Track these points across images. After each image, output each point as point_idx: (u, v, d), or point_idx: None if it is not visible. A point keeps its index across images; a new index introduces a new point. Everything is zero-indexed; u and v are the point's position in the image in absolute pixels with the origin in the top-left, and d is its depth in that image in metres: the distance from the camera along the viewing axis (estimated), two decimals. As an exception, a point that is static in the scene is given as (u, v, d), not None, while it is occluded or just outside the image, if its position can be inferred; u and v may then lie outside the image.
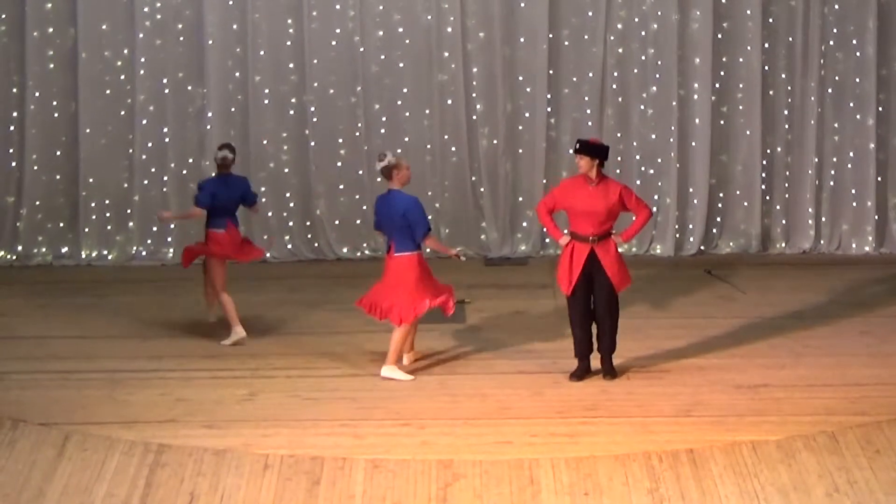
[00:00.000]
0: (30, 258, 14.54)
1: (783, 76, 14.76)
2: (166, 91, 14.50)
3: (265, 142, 14.60)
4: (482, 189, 14.80)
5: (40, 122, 14.43)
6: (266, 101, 14.56)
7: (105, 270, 14.35)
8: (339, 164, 14.70)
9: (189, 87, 14.53)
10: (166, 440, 9.15)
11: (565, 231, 10.45)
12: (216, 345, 11.43)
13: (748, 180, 14.87)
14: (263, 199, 14.51)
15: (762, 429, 9.31)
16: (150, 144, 14.53)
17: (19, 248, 14.53)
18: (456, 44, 14.52)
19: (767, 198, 14.94)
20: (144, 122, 14.50)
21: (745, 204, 14.89)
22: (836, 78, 14.75)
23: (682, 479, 8.64)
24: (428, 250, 10.67)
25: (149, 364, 10.93)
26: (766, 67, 14.71)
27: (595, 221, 10.26)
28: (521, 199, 14.83)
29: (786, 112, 14.82)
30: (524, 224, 14.87)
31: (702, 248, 14.89)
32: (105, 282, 13.80)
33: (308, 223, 14.77)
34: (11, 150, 14.51)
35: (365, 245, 14.73)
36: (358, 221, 14.71)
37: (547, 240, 14.68)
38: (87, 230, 14.55)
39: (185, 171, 14.41)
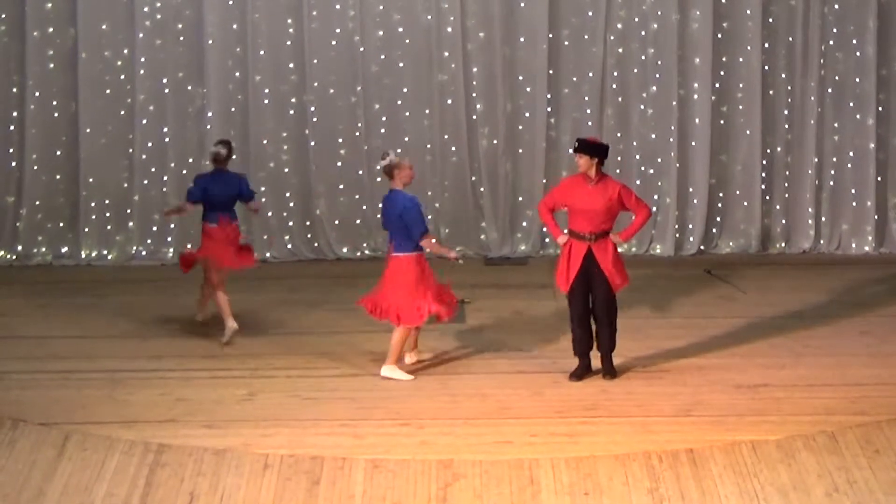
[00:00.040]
0: (30, 258, 14.54)
1: (783, 76, 14.76)
2: (166, 91, 14.51)
3: (265, 141, 14.60)
4: (482, 189, 14.81)
5: (40, 121, 14.44)
6: (266, 101, 14.56)
7: (105, 270, 14.35)
8: (339, 163, 14.70)
9: (189, 87, 14.53)
10: (166, 440, 9.15)
11: (565, 230, 10.46)
12: (216, 345, 11.43)
13: (748, 180, 14.87)
14: (263, 199, 14.53)
15: (762, 429, 9.31)
16: (150, 144, 14.53)
17: (19, 247, 14.54)
18: (456, 44, 14.52)
19: (767, 198, 14.94)
20: (144, 121, 14.50)
21: (745, 204, 14.90)
22: (836, 78, 14.76)
23: (681, 478, 8.64)
24: (428, 251, 10.67)
25: (149, 364, 10.93)
26: (766, 67, 14.71)
27: (594, 220, 10.27)
28: (520, 198, 14.84)
29: (786, 112, 14.83)
30: (524, 224, 14.87)
31: (702, 247, 14.89)
32: (105, 282, 13.80)
33: (308, 223, 14.77)
34: (11, 150, 14.52)
35: (365, 245, 14.74)
36: (358, 221, 14.72)
37: (547, 239, 14.68)
38: (86, 230, 14.56)
39: (185, 171, 14.40)
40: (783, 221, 14.98)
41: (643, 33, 14.63)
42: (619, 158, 14.55)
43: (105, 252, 14.63)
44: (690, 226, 14.88)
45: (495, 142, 14.74)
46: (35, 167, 14.45)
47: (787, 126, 14.85)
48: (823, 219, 14.95)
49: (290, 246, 14.74)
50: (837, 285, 13.33)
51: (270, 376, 10.63)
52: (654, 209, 14.61)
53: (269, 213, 14.63)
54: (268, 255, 14.64)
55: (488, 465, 8.77)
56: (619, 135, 14.67)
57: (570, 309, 10.50)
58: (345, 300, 12.63)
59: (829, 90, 14.78)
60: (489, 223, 14.84)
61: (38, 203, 14.53)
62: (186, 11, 14.43)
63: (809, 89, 14.73)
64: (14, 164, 14.52)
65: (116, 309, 12.62)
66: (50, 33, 14.34)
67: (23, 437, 9.26)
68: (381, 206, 10.72)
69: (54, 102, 14.45)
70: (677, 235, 14.86)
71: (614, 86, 14.73)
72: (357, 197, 14.69)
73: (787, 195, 14.95)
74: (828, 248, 14.93)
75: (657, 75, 14.66)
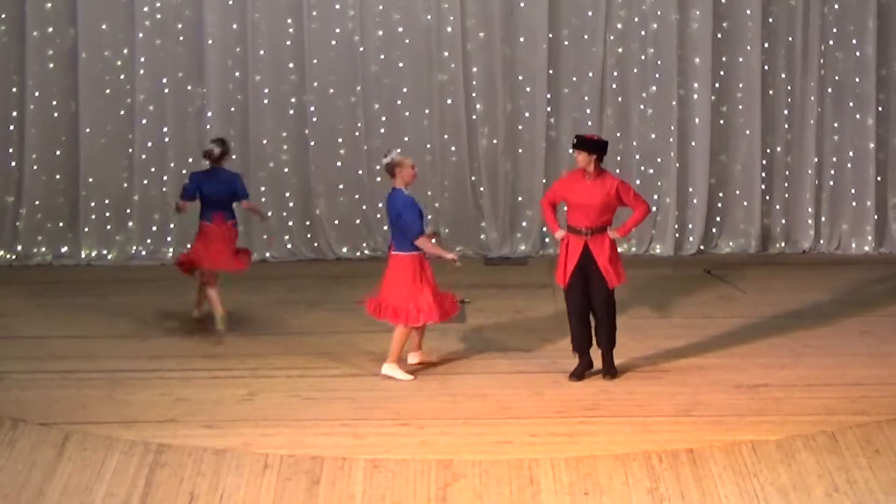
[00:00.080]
0: (29, 258, 14.54)
1: (783, 76, 14.76)
2: (166, 91, 14.50)
3: (265, 141, 14.60)
4: (482, 189, 14.80)
5: (40, 121, 14.43)
6: (266, 101, 14.56)
7: (105, 270, 14.34)
8: (339, 163, 14.70)
9: (189, 87, 14.53)
10: (166, 440, 9.15)
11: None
12: (216, 345, 11.43)
13: (748, 180, 14.87)
14: (263, 199, 14.53)
15: (762, 428, 9.31)
16: (149, 144, 14.53)
17: (19, 247, 14.53)
18: (456, 43, 14.51)
19: (767, 197, 14.94)
20: (144, 121, 14.50)
21: (745, 204, 14.89)
22: (836, 78, 14.75)
23: (681, 478, 8.64)
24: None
25: (149, 364, 10.93)
26: (766, 67, 14.71)
27: (590, 214, 10.28)
28: (520, 198, 14.84)
29: (785, 112, 14.82)
30: (524, 224, 14.87)
31: (701, 247, 14.89)
32: (105, 281, 13.80)
33: (308, 223, 14.77)
34: (11, 150, 14.51)
35: (364, 245, 14.73)
36: (357, 221, 14.71)
37: (547, 239, 14.68)
38: (86, 230, 14.55)
39: (184, 171, 14.37)
40: (783, 221, 14.97)
41: (643, 33, 14.63)
42: (618, 158, 14.55)
43: (105, 252, 14.62)
44: (690, 226, 14.88)
45: (495, 142, 14.74)
46: (35, 167, 14.45)
47: (786, 126, 14.85)
48: (823, 219, 14.95)
49: (289, 246, 14.74)
50: (837, 285, 13.33)
51: (270, 376, 10.63)
52: (654, 209, 14.61)
53: (269, 213, 14.61)
54: (268, 255, 14.64)
55: (488, 465, 8.77)
56: (618, 135, 14.67)
57: (567, 305, 10.51)
58: (345, 300, 12.64)
59: (829, 90, 14.77)
60: (489, 223, 14.84)
61: (37, 203, 14.53)
62: (186, 11, 14.42)
63: (809, 89, 14.72)
64: (14, 163, 14.52)
65: (116, 309, 12.61)
66: (50, 33, 14.33)
67: (23, 437, 9.26)
68: (382, 205, 10.72)
69: (54, 102, 14.44)
70: (677, 235, 14.86)
71: (614, 86, 14.72)
72: (357, 197, 14.69)
73: (786, 195, 14.95)
74: (828, 248, 14.93)
75: (657, 75, 14.66)
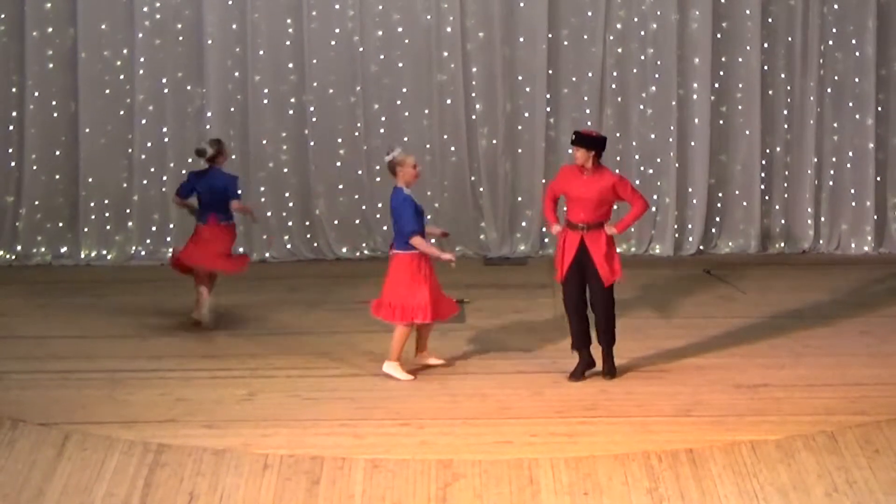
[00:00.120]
0: (29, 258, 14.54)
1: (782, 76, 14.76)
2: (165, 91, 14.50)
3: (264, 141, 14.60)
4: (481, 189, 14.81)
5: (40, 121, 14.43)
6: (265, 101, 14.56)
7: (104, 270, 14.35)
8: (339, 163, 14.70)
9: (188, 87, 14.53)
10: (166, 440, 9.15)
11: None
12: (216, 345, 11.43)
13: (747, 180, 14.87)
14: (263, 199, 14.54)
15: (762, 428, 9.31)
16: (149, 144, 14.53)
17: (18, 247, 14.53)
18: (455, 44, 14.52)
19: (767, 197, 14.94)
20: (144, 121, 14.50)
21: (745, 204, 14.89)
22: (836, 78, 14.76)
23: (681, 478, 8.64)
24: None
25: (149, 364, 10.92)
26: (766, 67, 14.71)
27: (586, 208, 10.27)
28: (520, 198, 14.84)
29: (785, 112, 14.83)
30: (523, 224, 14.87)
31: (701, 247, 14.89)
32: (104, 281, 13.80)
33: (307, 223, 14.77)
34: (11, 150, 14.51)
35: (364, 245, 14.73)
36: (357, 221, 14.72)
37: (546, 239, 14.68)
38: (86, 230, 14.55)
39: (184, 171, 14.33)
40: (782, 221, 14.98)
41: (642, 33, 14.63)
42: (618, 158, 14.55)
43: (104, 252, 14.62)
44: (690, 226, 14.88)
45: (495, 142, 14.74)
46: (34, 167, 14.45)
47: (786, 126, 14.85)
48: (823, 219, 14.95)
49: (289, 246, 14.74)
50: (837, 285, 13.33)
51: (270, 376, 10.62)
52: (654, 209, 14.62)
53: (269, 213, 14.63)
54: (267, 255, 14.64)
55: (488, 465, 8.77)
56: (618, 135, 14.67)
57: (564, 301, 10.51)
58: (344, 300, 12.66)
59: (829, 90, 14.78)
60: (488, 223, 14.84)
61: (37, 203, 14.53)
62: (186, 11, 14.42)
63: (809, 89, 14.73)
64: (13, 164, 14.52)
65: (116, 309, 12.61)
66: (49, 33, 14.34)
67: (22, 437, 9.26)
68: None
69: (54, 102, 14.44)
70: (676, 235, 14.86)
71: (614, 86, 14.72)
72: (356, 197, 14.69)
73: (786, 195, 14.95)
74: (827, 248, 14.93)
75: (656, 75, 14.66)
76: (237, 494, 8.51)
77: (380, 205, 14.44)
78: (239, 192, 11.96)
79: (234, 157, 14.16)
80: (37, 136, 14.43)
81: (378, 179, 14.46)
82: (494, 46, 14.56)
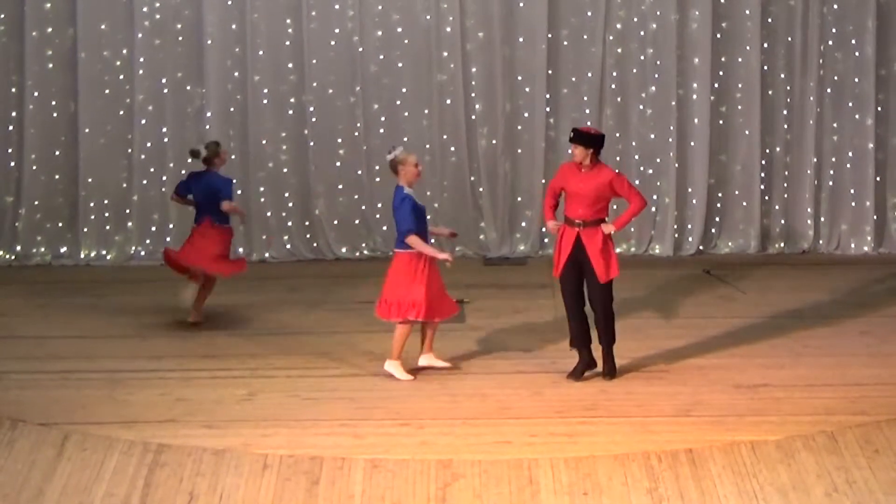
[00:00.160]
0: (29, 258, 14.54)
1: (782, 76, 14.77)
2: (165, 91, 14.51)
3: (264, 141, 14.60)
4: (481, 189, 14.81)
5: (39, 121, 14.44)
6: (265, 101, 14.56)
7: (104, 270, 14.35)
8: (338, 163, 14.70)
9: (188, 87, 14.53)
10: (166, 440, 9.14)
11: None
12: (216, 345, 11.43)
13: (747, 180, 14.87)
14: (263, 199, 14.55)
15: (761, 429, 9.31)
16: (149, 144, 14.53)
17: (18, 247, 14.54)
18: (455, 44, 14.52)
19: (766, 198, 14.95)
20: (143, 122, 14.50)
21: (744, 204, 14.90)
22: (835, 78, 14.77)
23: (681, 478, 8.64)
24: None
25: (148, 364, 10.92)
26: (766, 67, 14.72)
27: (583, 203, 10.27)
28: (519, 199, 14.84)
29: (785, 112, 14.83)
30: (523, 224, 14.87)
31: (701, 248, 14.89)
32: (104, 282, 13.80)
33: (307, 223, 14.77)
34: (10, 150, 14.52)
35: (364, 245, 14.74)
36: (357, 221, 14.72)
37: (546, 239, 14.68)
38: (85, 230, 14.56)
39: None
40: (782, 221, 14.98)
41: (642, 33, 14.64)
42: (618, 158, 14.55)
43: (104, 252, 14.63)
44: (689, 226, 14.89)
45: (494, 142, 14.75)
46: (34, 167, 14.46)
47: (786, 126, 14.86)
48: (822, 219, 14.95)
49: (289, 246, 14.74)
50: (837, 285, 13.33)
51: (270, 376, 10.62)
52: (654, 209, 14.63)
53: (269, 213, 14.65)
54: (267, 255, 14.65)
55: (487, 465, 8.76)
56: (618, 135, 14.68)
57: (563, 299, 10.51)
58: (344, 300, 12.66)
59: (828, 90, 14.79)
60: (488, 223, 14.84)
61: (37, 203, 14.53)
62: (185, 11, 14.43)
63: (808, 89, 14.73)
64: (13, 164, 14.53)
65: (116, 309, 12.61)
66: (49, 33, 14.34)
67: (22, 437, 9.25)
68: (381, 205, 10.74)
69: (53, 102, 14.45)
70: (676, 235, 14.86)
71: (613, 86, 14.73)
72: (356, 197, 14.69)
73: (786, 195, 14.96)
74: (827, 248, 14.94)
75: (656, 75, 14.67)
76: (237, 494, 8.51)
77: (379, 205, 14.45)
78: (233, 194, 11.95)
79: (233, 157, 14.19)
80: (36, 136, 14.44)
81: (378, 179, 14.47)
82: (494, 46, 14.56)
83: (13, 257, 14.52)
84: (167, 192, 14.37)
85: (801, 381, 10.38)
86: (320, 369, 10.79)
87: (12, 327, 12.09)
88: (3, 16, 14.36)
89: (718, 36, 14.63)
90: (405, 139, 14.45)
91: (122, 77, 14.46)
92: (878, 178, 14.85)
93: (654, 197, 14.68)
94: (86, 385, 10.38)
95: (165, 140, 14.54)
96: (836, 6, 14.64)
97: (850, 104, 14.76)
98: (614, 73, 14.70)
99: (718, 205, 14.96)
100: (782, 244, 14.96)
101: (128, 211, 14.59)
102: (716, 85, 14.72)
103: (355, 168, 14.67)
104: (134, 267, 14.42)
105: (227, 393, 10.21)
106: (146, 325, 12.06)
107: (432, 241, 10.87)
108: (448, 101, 14.64)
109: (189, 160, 14.32)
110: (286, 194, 14.69)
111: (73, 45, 14.33)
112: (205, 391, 10.25)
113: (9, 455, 9.00)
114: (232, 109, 14.56)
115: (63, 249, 14.62)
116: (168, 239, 14.50)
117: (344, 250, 14.73)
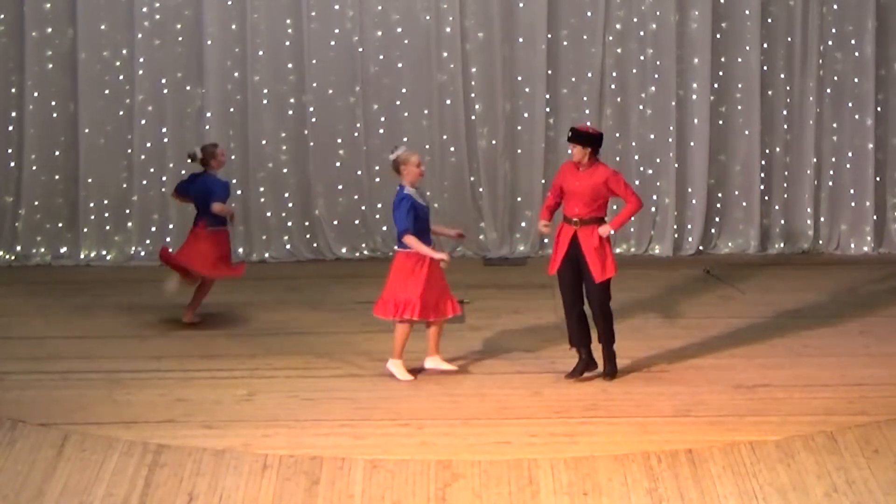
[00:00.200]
0: (28, 258, 14.54)
1: (782, 76, 14.77)
2: (165, 91, 14.51)
3: (264, 142, 14.60)
4: (481, 189, 14.81)
5: (39, 122, 14.44)
6: (265, 101, 14.56)
7: (104, 270, 14.35)
8: (338, 164, 14.70)
9: (188, 88, 14.53)
10: (165, 440, 9.14)
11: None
12: (216, 345, 11.43)
13: (747, 180, 14.87)
14: (262, 199, 14.55)
15: (761, 429, 9.31)
16: (148, 145, 14.53)
17: (18, 248, 14.54)
18: (455, 44, 14.52)
19: (766, 198, 14.95)
20: (143, 122, 14.50)
21: (744, 204, 14.90)
22: (835, 78, 14.77)
23: (680, 479, 8.64)
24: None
25: (148, 364, 10.92)
26: (765, 67, 14.72)
27: (579, 202, 10.27)
28: (519, 199, 14.84)
29: (784, 112, 14.83)
30: (523, 224, 14.87)
31: (700, 248, 14.89)
32: (104, 282, 13.80)
33: (307, 223, 14.77)
34: (10, 151, 14.52)
35: (364, 245, 14.73)
36: (357, 221, 14.72)
37: (545, 240, 14.67)
38: (85, 230, 14.56)
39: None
40: (782, 221, 14.98)
41: (642, 33, 14.64)
42: (617, 159, 14.55)
43: (104, 252, 14.63)
44: (689, 226, 14.89)
45: (494, 142, 14.75)
46: (34, 167, 14.45)
47: (785, 126, 14.86)
48: (822, 219, 14.95)
49: (288, 246, 14.74)
50: (837, 285, 13.33)
51: (270, 376, 10.62)
52: (654, 209, 14.63)
53: (268, 213, 14.64)
54: (267, 255, 14.65)
55: (487, 466, 8.76)
56: (617, 135, 14.68)
57: (562, 298, 10.51)
58: (344, 300, 12.66)
59: (828, 90, 14.79)
60: (488, 223, 14.84)
61: (36, 203, 14.53)
62: (185, 12, 14.43)
63: (808, 89, 14.73)
64: (13, 164, 14.53)
65: (116, 309, 12.62)
66: (49, 33, 14.34)
67: (22, 437, 9.25)
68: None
69: (53, 103, 14.45)
70: (676, 236, 14.86)
71: (613, 86, 14.73)
72: (356, 197, 14.69)
73: (786, 195, 14.96)
74: (827, 248, 14.94)
75: (656, 76, 14.67)
76: (237, 495, 8.51)
77: (379, 205, 14.45)
78: (230, 196, 11.95)
79: (233, 157, 14.19)
80: (36, 136, 14.44)
81: (377, 180, 14.47)
82: (494, 47, 14.56)
83: (13, 257, 14.52)
84: (167, 193, 14.37)
85: (800, 381, 10.38)
86: (320, 369, 10.79)
87: (12, 327, 12.09)
88: (3, 16, 14.36)
89: (718, 36, 14.63)
90: (405, 139, 14.43)
91: (121, 77, 14.46)
92: (877, 179, 14.85)
93: (654, 197, 14.68)
94: (86, 385, 10.38)
95: (165, 140, 14.54)
96: (835, 6, 14.64)
97: (850, 104, 14.76)
98: (614, 74, 14.70)
99: (718, 205, 14.96)
100: (782, 244, 14.96)
101: (128, 211, 14.59)
102: (715, 85, 14.72)
103: (355, 168, 14.67)
104: (134, 267, 14.42)
105: (227, 393, 10.21)
106: (146, 325, 12.06)
107: (431, 242, 10.85)
108: (448, 102, 14.64)
109: (189, 160, 14.46)
110: (286, 194, 14.69)
111: (72, 45, 14.33)
112: (204, 391, 10.25)
113: (9, 455, 9.00)
114: (232, 110, 14.56)
115: (63, 249, 14.62)
116: (168, 239, 14.49)
117: (344, 250, 14.73)
